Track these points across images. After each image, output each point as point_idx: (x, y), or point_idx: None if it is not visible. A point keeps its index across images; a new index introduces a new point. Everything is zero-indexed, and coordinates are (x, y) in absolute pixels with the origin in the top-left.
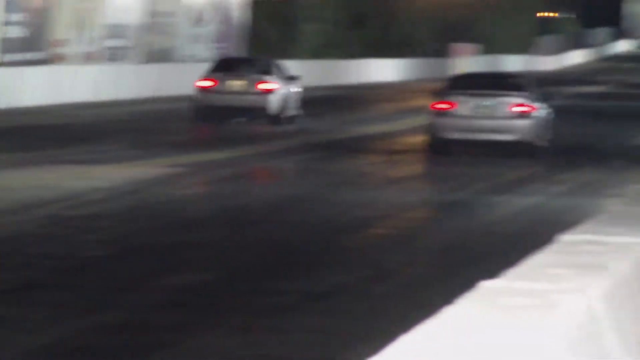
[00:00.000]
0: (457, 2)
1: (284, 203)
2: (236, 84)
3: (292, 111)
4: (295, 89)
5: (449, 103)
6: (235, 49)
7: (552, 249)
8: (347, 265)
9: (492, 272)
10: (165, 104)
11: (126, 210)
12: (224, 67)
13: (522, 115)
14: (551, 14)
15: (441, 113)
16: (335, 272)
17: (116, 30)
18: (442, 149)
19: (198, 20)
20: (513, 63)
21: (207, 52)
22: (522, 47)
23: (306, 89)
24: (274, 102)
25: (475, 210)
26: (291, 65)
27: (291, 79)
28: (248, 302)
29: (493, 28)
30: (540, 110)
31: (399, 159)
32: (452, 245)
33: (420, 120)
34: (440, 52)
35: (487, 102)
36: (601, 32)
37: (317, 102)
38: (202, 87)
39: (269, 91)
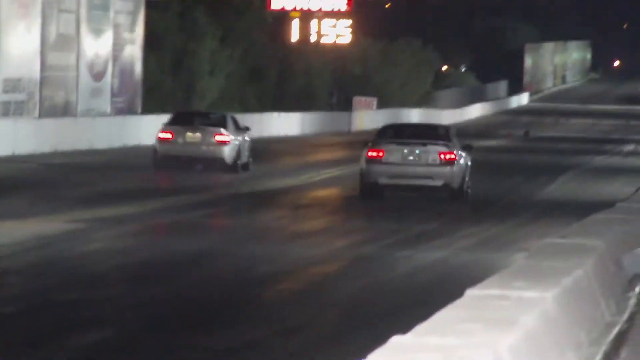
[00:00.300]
0: (356, 56)
1: (190, 258)
2: (193, 136)
3: (245, 159)
4: (247, 138)
5: (379, 151)
6: (134, 103)
7: (460, 303)
8: (254, 321)
9: (401, 327)
10: (66, 159)
11: (30, 267)
12: (181, 120)
13: (447, 162)
14: (450, 68)
15: (372, 160)
16: (242, 328)
17: (13, 85)
18: (372, 194)
19: (97, 74)
20: (412, 116)
21: (106, 105)
22: (421, 101)
23: None
24: (229, 152)
25: (383, 264)
26: None
27: (243, 129)
28: None
29: (392, 81)
30: (462, 158)
31: (304, 213)
32: (360, 300)
33: (324, 174)
34: (339, 105)
35: (415, 150)
36: (501, 85)
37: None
38: (161, 138)
39: (224, 142)
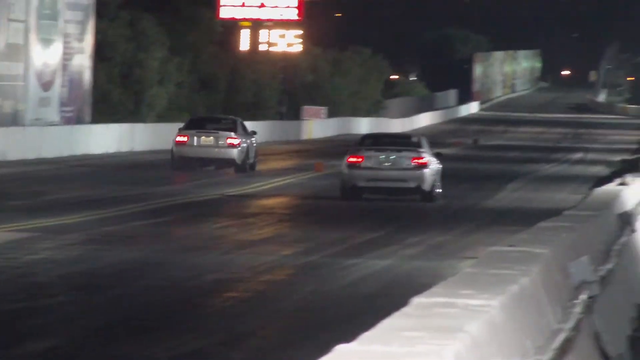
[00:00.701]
0: (306, 65)
1: (135, 267)
2: (207, 139)
3: (252, 159)
4: (253, 141)
5: (359, 157)
6: (83, 113)
7: (406, 311)
8: (200, 330)
9: (347, 335)
10: (14, 168)
11: None
12: (196, 124)
13: (419, 166)
14: (400, 77)
15: (353, 165)
16: (187, 337)
17: None
18: (352, 195)
19: (46, 83)
20: (362, 125)
21: (55, 115)
22: (371, 109)
23: (155, 152)
24: (239, 154)
25: (329, 273)
26: (139, 128)
27: (250, 133)
28: None
29: (342, 90)
30: (433, 163)
31: (252, 221)
32: (306, 309)
33: (273, 182)
34: (289, 114)
35: (390, 156)
36: (450, 94)
37: (168, 165)
38: (178, 141)
39: (234, 145)
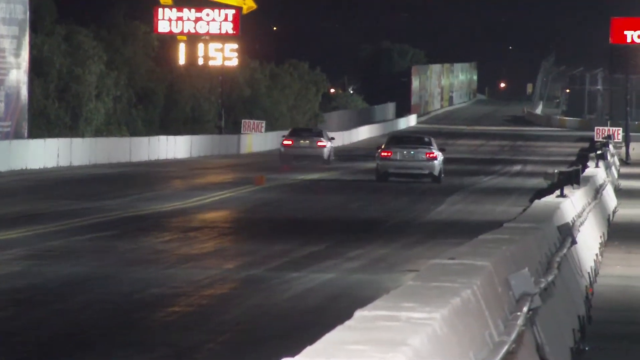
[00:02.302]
0: (244, 79)
1: (77, 282)
2: (304, 142)
3: (333, 157)
4: (332, 144)
5: (388, 152)
6: (20, 127)
7: (349, 325)
8: (144, 345)
9: (291, 349)
10: None
11: None
12: (295, 132)
13: (431, 159)
14: (338, 90)
15: (384, 158)
16: (132, 351)
17: None
18: (384, 178)
19: None
20: None
21: None
22: (309, 122)
23: (94, 166)
24: (326, 152)
25: (271, 286)
26: (77, 143)
27: (331, 139)
28: None
29: (280, 104)
30: (440, 156)
31: (193, 235)
32: (249, 323)
33: (213, 197)
34: (228, 128)
35: (411, 151)
36: (389, 107)
37: (107, 180)
38: (285, 143)
39: (323, 146)
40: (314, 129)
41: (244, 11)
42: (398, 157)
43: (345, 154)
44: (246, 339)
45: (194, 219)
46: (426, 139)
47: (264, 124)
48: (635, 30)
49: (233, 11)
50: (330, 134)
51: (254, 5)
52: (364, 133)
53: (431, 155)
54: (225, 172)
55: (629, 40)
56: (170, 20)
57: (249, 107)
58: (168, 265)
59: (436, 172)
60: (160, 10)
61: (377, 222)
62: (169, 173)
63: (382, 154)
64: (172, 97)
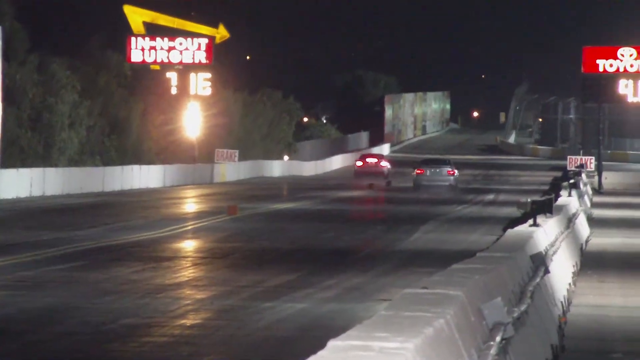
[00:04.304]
0: (217, 108)
1: (50, 313)
2: (435, 171)
3: (457, 183)
4: (457, 173)
5: (421, 170)
6: None
7: (322, 355)
8: None
9: None
10: None
11: None
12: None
13: (450, 175)
14: (312, 119)
15: (418, 175)
16: None
17: None
18: (418, 188)
19: None
20: (275, 168)
21: None
22: (283, 152)
23: (67, 196)
24: (454, 180)
25: (245, 316)
26: (50, 173)
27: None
28: None
29: (254, 133)
30: (456, 172)
31: (166, 265)
32: (222, 353)
33: (187, 226)
34: (201, 157)
35: (437, 169)
36: (362, 136)
37: (80, 210)
38: (417, 172)
39: (452, 174)
40: (443, 158)
41: (217, 40)
42: (428, 174)
43: (319, 183)
44: None
45: (166, 248)
46: (447, 161)
47: (237, 153)
48: (606, 59)
49: (206, 40)
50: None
51: (227, 35)
52: (337, 162)
53: (450, 172)
54: (198, 202)
55: (600, 69)
56: (143, 49)
57: (222, 136)
58: (141, 296)
59: (454, 184)
60: (133, 39)
61: (351, 251)
62: (142, 203)
63: (417, 171)
64: (145, 126)
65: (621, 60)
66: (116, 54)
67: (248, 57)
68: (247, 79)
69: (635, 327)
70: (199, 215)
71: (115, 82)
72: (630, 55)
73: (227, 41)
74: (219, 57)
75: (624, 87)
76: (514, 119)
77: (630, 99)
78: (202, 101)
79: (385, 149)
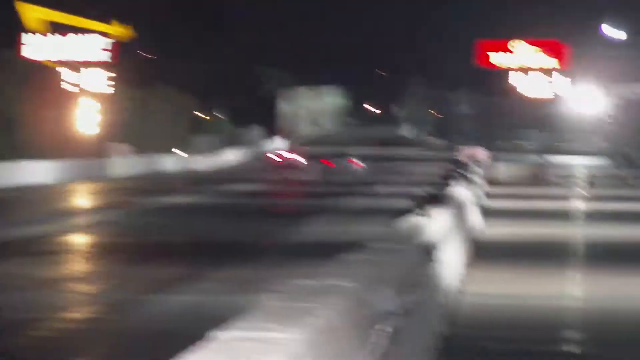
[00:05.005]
0: (113, 104)
1: None
2: (342, 163)
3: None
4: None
5: (327, 162)
6: None
7: (208, 346)
8: None
9: None
10: None
11: None
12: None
13: (357, 166)
14: (206, 113)
15: (325, 167)
16: None
17: None
18: (326, 180)
19: None
20: (169, 162)
21: None
22: (177, 146)
23: None
24: (359, 172)
25: (133, 309)
26: None
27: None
28: None
29: (149, 128)
30: (362, 164)
31: (56, 259)
32: (110, 346)
33: (78, 221)
34: (97, 152)
35: (343, 161)
36: (256, 130)
37: None
38: (324, 165)
39: (359, 165)
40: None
41: (119, 38)
42: (335, 166)
43: (213, 177)
44: None
45: (57, 242)
46: (352, 154)
47: (131, 148)
48: (498, 52)
49: (104, 38)
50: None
51: (130, 33)
52: (231, 156)
53: (356, 164)
54: (92, 197)
55: (493, 62)
56: (38, 46)
57: (117, 131)
58: (28, 290)
59: (359, 175)
60: (26, 35)
61: (241, 244)
62: (35, 198)
63: (324, 164)
64: (39, 122)
65: (513, 53)
66: (9, 51)
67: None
68: (144, 76)
69: (523, 315)
70: (92, 210)
71: (11, 79)
72: (522, 48)
73: (128, 39)
74: (119, 54)
75: (516, 80)
76: (408, 112)
77: (522, 91)
78: (97, 97)
79: (280, 143)
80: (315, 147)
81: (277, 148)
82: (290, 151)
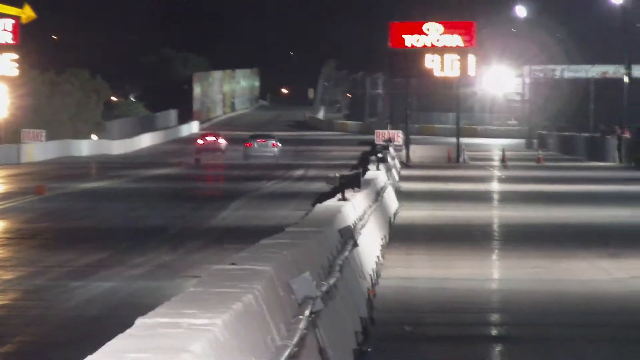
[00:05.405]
0: (23, 89)
1: None
2: (262, 144)
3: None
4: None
5: (249, 144)
6: None
7: (130, 332)
8: None
9: (71, 358)
10: None
11: None
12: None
13: (274, 147)
14: (120, 98)
15: (247, 147)
16: None
17: None
18: (248, 159)
19: None
20: (83, 147)
21: None
22: (92, 131)
23: None
24: (277, 152)
25: (53, 296)
26: None
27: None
28: None
29: (61, 112)
30: (279, 145)
31: None
32: (30, 334)
33: None
34: (8, 138)
35: (263, 142)
36: (171, 114)
37: None
38: (246, 146)
39: (276, 146)
40: (270, 134)
41: (23, 20)
42: (255, 147)
43: (128, 162)
44: (26, 350)
45: None
46: (271, 135)
47: (44, 133)
48: (412, 34)
49: (12, 21)
50: (115, 142)
51: (33, 15)
52: (146, 140)
53: (274, 145)
54: (5, 182)
55: (407, 44)
56: None
57: (29, 116)
58: None
59: (278, 155)
60: None
61: (161, 229)
62: None
63: (246, 145)
64: None
65: (427, 36)
66: None
67: (54, 37)
68: (53, 59)
69: (442, 297)
70: (5, 196)
71: None
72: (436, 31)
73: (34, 21)
74: (25, 37)
75: (430, 62)
76: (323, 95)
77: (437, 73)
78: (7, 81)
79: (194, 126)
80: (231, 129)
81: (193, 131)
82: (211, 134)
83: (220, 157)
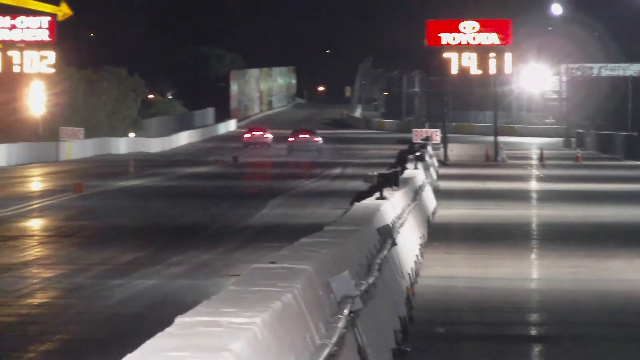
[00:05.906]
0: (61, 86)
1: None
2: (305, 138)
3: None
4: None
5: (293, 138)
6: None
7: (170, 331)
8: None
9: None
10: None
11: None
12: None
13: (316, 141)
14: (157, 96)
15: (291, 142)
16: None
17: None
18: (292, 154)
19: None
20: (121, 145)
21: None
22: (129, 129)
23: None
24: (319, 145)
25: (94, 294)
26: None
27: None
28: None
29: (99, 110)
30: (321, 140)
31: (12, 245)
32: (71, 332)
33: (33, 205)
34: (46, 135)
35: (305, 137)
36: (208, 112)
37: None
38: (289, 141)
39: (318, 141)
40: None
41: (60, 18)
42: (298, 141)
43: (165, 160)
44: (67, 347)
45: (12, 227)
46: (313, 130)
47: (82, 131)
48: (449, 33)
49: (48, 18)
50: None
51: (69, 12)
52: (184, 139)
53: (316, 140)
54: (44, 180)
55: (443, 42)
56: None
57: (66, 114)
58: None
59: (320, 148)
60: None
61: (199, 228)
62: None
63: (289, 140)
64: None
65: (463, 34)
66: None
67: (92, 35)
68: (91, 57)
69: (481, 297)
70: (44, 194)
71: None
72: (473, 29)
73: (70, 18)
74: (62, 34)
75: (467, 60)
76: (360, 93)
77: (473, 71)
78: (45, 79)
79: (231, 124)
80: (269, 127)
81: (230, 129)
82: (258, 128)
83: (267, 150)
